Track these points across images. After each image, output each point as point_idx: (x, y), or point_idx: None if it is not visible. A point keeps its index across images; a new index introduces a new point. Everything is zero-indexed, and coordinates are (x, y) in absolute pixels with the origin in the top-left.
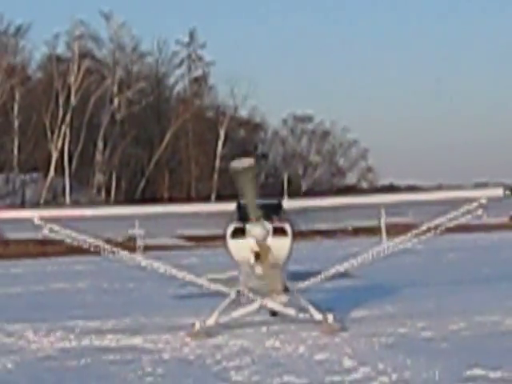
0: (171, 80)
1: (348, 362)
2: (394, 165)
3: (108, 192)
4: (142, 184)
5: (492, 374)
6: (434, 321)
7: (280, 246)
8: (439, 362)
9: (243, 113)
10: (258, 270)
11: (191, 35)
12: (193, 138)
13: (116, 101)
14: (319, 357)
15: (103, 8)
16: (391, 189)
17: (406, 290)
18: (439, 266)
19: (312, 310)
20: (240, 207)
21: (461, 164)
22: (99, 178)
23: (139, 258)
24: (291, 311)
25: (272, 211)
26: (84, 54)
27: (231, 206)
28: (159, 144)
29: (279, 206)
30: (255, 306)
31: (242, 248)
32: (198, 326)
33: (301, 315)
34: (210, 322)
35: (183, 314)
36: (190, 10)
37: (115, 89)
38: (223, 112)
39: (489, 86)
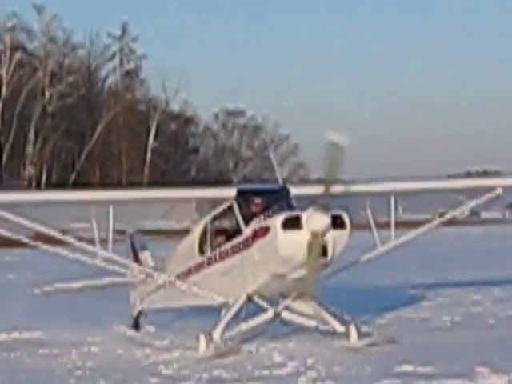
0: (103, 73)
1: (277, 357)
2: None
3: (38, 184)
4: (72, 177)
5: (421, 369)
6: (364, 317)
7: (338, 241)
8: (369, 357)
9: (175, 106)
10: (301, 271)
11: (123, 28)
12: (124, 131)
13: (47, 93)
14: (247, 350)
15: (35, 0)
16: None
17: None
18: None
19: (333, 321)
20: (242, 194)
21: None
22: (30, 170)
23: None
24: (311, 323)
25: (280, 197)
26: (16, 47)
27: (228, 192)
28: (90, 137)
29: (287, 192)
30: (268, 315)
31: (295, 242)
32: (203, 340)
33: (322, 327)
34: (216, 335)
35: (111, 310)
36: (123, 3)
37: (47, 81)
38: (154, 105)
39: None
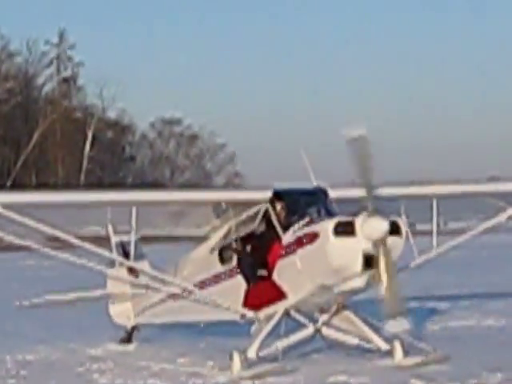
0: (40, 80)
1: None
2: (261, 169)
3: None
4: (8, 184)
5: (353, 380)
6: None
7: (394, 250)
8: (304, 366)
9: (111, 114)
10: (361, 281)
11: (61, 36)
12: (60, 138)
13: None
14: (182, 360)
15: None
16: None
17: None
18: None
19: (377, 338)
20: (278, 196)
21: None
22: None
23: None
24: (353, 340)
25: (318, 200)
26: None
27: (264, 194)
28: (27, 144)
29: (325, 194)
30: (308, 332)
31: (348, 250)
32: (237, 359)
33: (365, 345)
34: (251, 353)
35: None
36: (60, 10)
37: None
38: (91, 113)
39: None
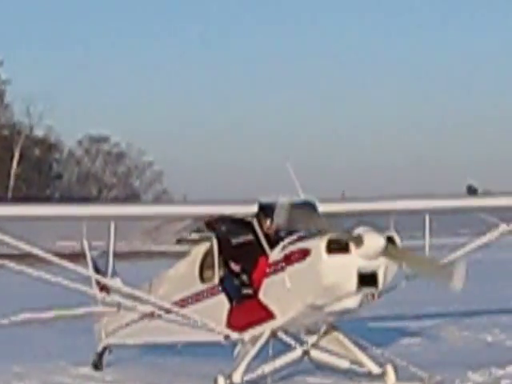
0: None
1: None
2: (189, 187)
3: None
4: None
5: None
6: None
7: (390, 267)
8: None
9: (39, 132)
10: (354, 301)
11: None
12: None
13: None
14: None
15: None
16: None
17: None
18: None
19: (368, 362)
20: (264, 209)
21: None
22: None
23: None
24: (344, 363)
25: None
26: None
27: (249, 208)
28: None
29: (314, 209)
30: (296, 354)
31: (341, 268)
32: (222, 382)
33: (355, 368)
34: (236, 377)
35: None
36: None
37: None
38: (19, 131)
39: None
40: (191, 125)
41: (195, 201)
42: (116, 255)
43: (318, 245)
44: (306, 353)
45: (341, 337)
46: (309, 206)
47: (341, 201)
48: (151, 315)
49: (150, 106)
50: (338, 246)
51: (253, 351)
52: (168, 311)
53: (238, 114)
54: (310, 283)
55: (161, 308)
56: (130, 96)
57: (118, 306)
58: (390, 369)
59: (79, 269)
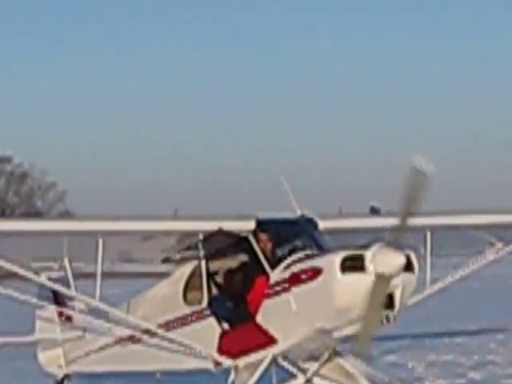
0: None
1: None
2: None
3: None
4: None
5: None
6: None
7: (408, 288)
8: None
9: None
10: (356, 326)
11: None
12: None
13: None
14: None
15: None
16: None
17: None
18: None
19: None
20: (264, 226)
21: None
22: None
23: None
24: None
25: (307, 231)
26: None
27: (246, 224)
28: None
29: (314, 225)
30: (299, 382)
31: (357, 289)
32: None
33: None
34: None
35: None
36: None
37: None
38: None
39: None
40: (96, 146)
41: (188, 216)
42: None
43: (332, 263)
44: (308, 381)
45: (344, 364)
46: (309, 223)
47: (342, 217)
48: (127, 339)
49: (53, 127)
50: (352, 264)
51: (252, 380)
52: (151, 334)
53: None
54: (321, 305)
55: (143, 331)
56: (32, 116)
57: (84, 329)
58: None
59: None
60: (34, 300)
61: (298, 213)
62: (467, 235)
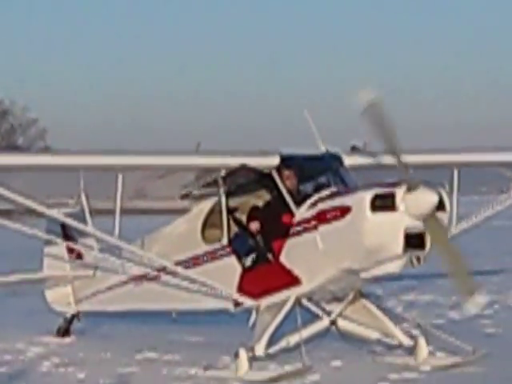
0: None
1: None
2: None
3: None
4: None
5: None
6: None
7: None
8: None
9: None
10: (398, 265)
11: None
12: None
13: None
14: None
15: None
16: None
17: None
18: None
19: (399, 333)
20: (289, 162)
21: None
22: None
23: None
24: (373, 334)
25: (334, 168)
26: None
27: (269, 160)
28: None
29: (340, 162)
30: (322, 324)
31: (388, 227)
32: (244, 357)
33: (385, 339)
34: (259, 350)
35: None
36: None
37: None
38: None
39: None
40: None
41: (211, 151)
42: (101, 212)
43: (361, 201)
44: (332, 323)
45: (369, 305)
46: (334, 159)
47: (368, 153)
48: (141, 278)
49: (33, 63)
50: (383, 203)
51: (276, 320)
52: (168, 272)
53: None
54: (349, 245)
55: (159, 269)
56: (12, 53)
57: (95, 267)
58: (422, 341)
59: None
60: (42, 234)
61: (322, 149)
62: (488, 173)
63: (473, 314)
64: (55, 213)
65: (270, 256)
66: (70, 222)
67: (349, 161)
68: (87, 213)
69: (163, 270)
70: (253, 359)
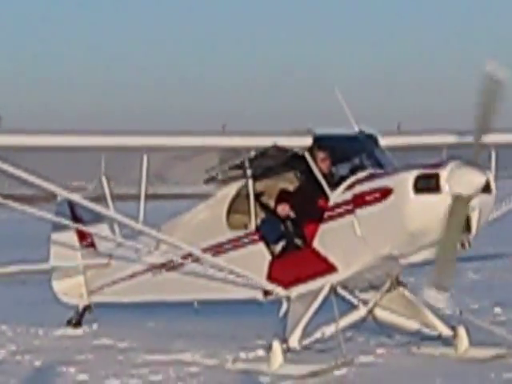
0: None
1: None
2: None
3: None
4: None
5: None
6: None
7: (485, 211)
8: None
9: None
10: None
11: None
12: None
13: None
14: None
15: None
16: None
17: None
18: None
19: (439, 323)
20: (323, 143)
21: None
22: None
23: None
24: (412, 324)
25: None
26: None
27: (303, 141)
28: None
29: (375, 142)
30: (359, 314)
31: (432, 210)
32: (278, 349)
33: (425, 330)
34: (293, 341)
35: None
36: None
37: None
38: None
39: None
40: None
41: (240, 131)
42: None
43: (404, 182)
44: (369, 312)
45: (407, 294)
46: (369, 139)
47: (405, 133)
48: (161, 266)
49: None
50: (427, 184)
51: (311, 310)
52: (192, 260)
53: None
54: (390, 229)
55: (180, 257)
56: None
57: (110, 256)
58: (462, 331)
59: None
60: (52, 216)
61: (356, 129)
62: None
63: None
64: (78, 198)
65: (301, 242)
66: (93, 206)
67: (384, 141)
68: (108, 197)
69: (186, 257)
70: (287, 351)
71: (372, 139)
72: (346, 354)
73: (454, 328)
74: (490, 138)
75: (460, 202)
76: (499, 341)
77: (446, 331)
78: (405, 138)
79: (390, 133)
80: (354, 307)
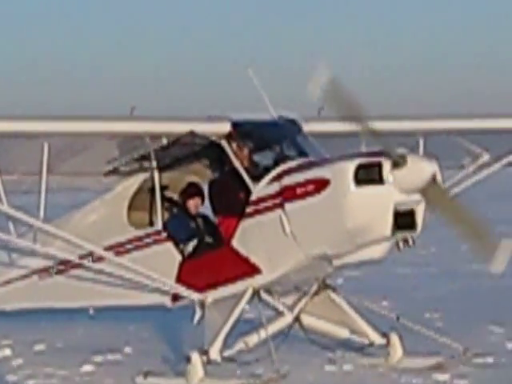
0: None
1: None
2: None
3: None
4: None
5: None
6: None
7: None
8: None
9: None
10: (382, 250)
11: None
12: None
13: None
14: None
15: None
16: None
17: None
18: None
19: (370, 330)
20: (242, 130)
21: None
22: None
23: None
24: (342, 332)
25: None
26: None
27: (219, 127)
28: None
29: (298, 128)
30: (285, 321)
31: (374, 204)
32: (198, 361)
33: (356, 338)
34: (214, 353)
35: None
36: None
37: None
38: None
39: None
40: None
41: (150, 116)
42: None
43: (343, 173)
44: (296, 319)
45: (336, 298)
46: (292, 125)
47: (330, 119)
48: (48, 269)
49: None
50: (368, 175)
51: (232, 317)
52: (95, 260)
53: None
54: (326, 225)
55: (84, 255)
56: None
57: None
58: (395, 338)
59: None
60: None
61: (274, 114)
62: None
63: None
64: None
65: (217, 241)
66: None
67: (307, 127)
68: (1, 190)
69: (82, 258)
70: (207, 364)
71: (295, 125)
72: (279, 368)
73: (386, 335)
74: (418, 125)
75: (430, 189)
76: (438, 349)
77: (378, 339)
78: (331, 124)
79: (312, 119)
80: (278, 314)
